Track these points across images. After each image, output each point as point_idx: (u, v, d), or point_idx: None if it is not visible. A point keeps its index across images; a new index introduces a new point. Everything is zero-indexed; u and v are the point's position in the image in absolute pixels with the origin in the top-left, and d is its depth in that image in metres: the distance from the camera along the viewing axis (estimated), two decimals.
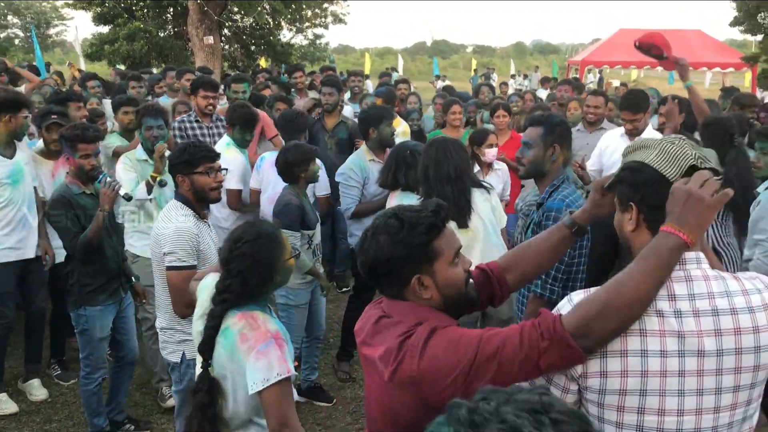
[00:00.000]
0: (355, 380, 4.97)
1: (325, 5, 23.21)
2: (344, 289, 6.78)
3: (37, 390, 4.76)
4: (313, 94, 8.75)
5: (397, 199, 4.31)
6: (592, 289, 1.67)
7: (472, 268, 1.94)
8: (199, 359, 2.56)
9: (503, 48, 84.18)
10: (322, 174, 5.27)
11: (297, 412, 4.43)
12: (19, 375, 4.96)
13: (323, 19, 23.97)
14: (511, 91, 13.81)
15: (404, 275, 1.75)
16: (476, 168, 5.35)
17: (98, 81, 8.81)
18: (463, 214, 3.69)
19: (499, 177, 5.52)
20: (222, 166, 3.54)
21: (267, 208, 4.79)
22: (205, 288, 2.71)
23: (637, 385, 1.58)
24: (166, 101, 7.74)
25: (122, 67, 16.49)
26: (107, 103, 7.03)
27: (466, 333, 1.65)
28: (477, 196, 3.79)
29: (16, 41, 42.43)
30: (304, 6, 22.29)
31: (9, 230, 4.52)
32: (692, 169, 1.64)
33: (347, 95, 9.26)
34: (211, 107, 5.91)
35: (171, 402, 4.34)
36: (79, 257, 3.89)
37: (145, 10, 19.38)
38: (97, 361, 4.03)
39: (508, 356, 1.57)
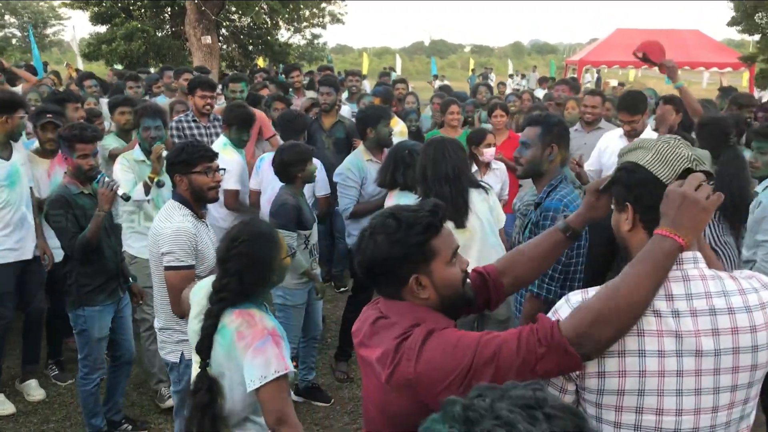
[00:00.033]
0: (353, 380, 4.97)
1: (323, 5, 23.23)
2: (342, 289, 6.79)
3: (34, 390, 4.76)
4: (311, 93, 8.75)
5: (395, 199, 4.32)
6: (590, 290, 1.67)
7: (470, 268, 1.94)
8: (195, 358, 2.57)
9: (501, 48, 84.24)
10: (322, 174, 5.29)
11: (295, 413, 4.44)
12: (16, 375, 4.95)
13: (321, 19, 24.00)
14: (508, 91, 13.83)
15: (402, 275, 1.75)
16: (474, 168, 5.36)
17: (95, 80, 8.80)
18: (460, 214, 3.69)
19: (497, 177, 5.53)
20: (219, 166, 3.55)
21: (267, 209, 4.79)
22: (201, 287, 2.72)
23: (635, 385, 1.58)
24: (163, 101, 7.73)
25: (119, 67, 16.48)
26: (104, 103, 7.02)
27: (463, 336, 1.64)
28: (475, 196, 3.79)
29: (14, 41, 42.37)
30: (301, 6, 22.31)
31: (8, 231, 4.51)
32: (687, 172, 1.65)
33: (345, 95, 9.27)
34: (208, 107, 5.91)
35: (170, 402, 4.33)
36: (78, 257, 3.89)
37: (143, 10, 19.36)
38: (95, 361, 4.03)
39: (505, 361, 1.57)
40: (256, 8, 18.98)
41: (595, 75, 26.58)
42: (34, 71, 10.63)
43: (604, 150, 5.34)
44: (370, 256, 1.77)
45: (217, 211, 5.05)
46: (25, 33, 39.86)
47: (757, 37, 20.31)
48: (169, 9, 19.34)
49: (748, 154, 4.20)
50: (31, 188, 4.74)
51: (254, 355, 2.37)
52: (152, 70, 14.27)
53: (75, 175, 3.96)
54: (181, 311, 3.18)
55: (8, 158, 4.53)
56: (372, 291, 4.79)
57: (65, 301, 4.07)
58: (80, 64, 20.17)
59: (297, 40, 24.60)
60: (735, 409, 1.62)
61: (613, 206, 1.80)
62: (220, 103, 6.94)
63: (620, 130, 5.35)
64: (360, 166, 5.02)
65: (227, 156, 4.91)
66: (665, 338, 1.57)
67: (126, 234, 4.60)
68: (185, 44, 17.60)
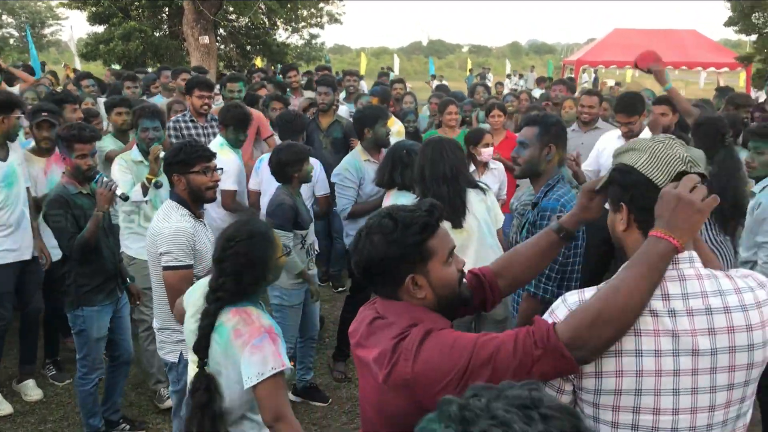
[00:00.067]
0: (351, 380, 4.97)
1: (321, 5, 23.21)
2: (340, 289, 6.79)
3: (32, 390, 4.75)
4: (309, 93, 8.75)
5: (393, 198, 4.32)
6: (586, 290, 1.68)
7: (467, 269, 1.94)
8: (192, 358, 2.57)
9: (499, 48, 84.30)
10: (322, 173, 5.29)
11: (293, 412, 4.44)
12: (13, 376, 4.94)
13: (319, 19, 23.98)
14: (506, 91, 13.84)
15: (398, 275, 1.75)
16: (472, 167, 5.36)
17: (93, 80, 8.79)
18: (458, 214, 3.69)
19: (495, 176, 5.53)
20: (217, 166, 3.55)
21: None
22: (197, 287, 2.73)
23: (632, 385, 1.58)
24: (160, 101, 7.73)
25: (117, 67, 16.46)
26: (102, 103, 7.02)
27: (460, 337, 1.65)
28: (472, 197, 3.79)
29: (11, 41, 42.33)
30: (299, 6, 22.28)
31: (8, 232, 4.51)
32: (682, 174, 1.65)
33: (342, 95, 9.27)
34: (206, 107, 5.90)
35: (169, 403, 4.33)
36: (76, 258, 3.88)
37: (141, 10, 19.30)
38: (94, 361, 4.03)
39: (502, 362, 1.57)
40: (254, 8, 18.96)
41: (593, 75, 26.59)
42: (31, 71, 10.61)
43: (603, 151, 5.35)
44: (366, 256, 1.77)
45: (215, 212, 5.05)
46: (22, 33, 39.82)
47: (753, 37, 20.36)
48: (166, 9, 19.29)
49: (744, 154, 4.21)
50: (27, 188, 4.73)
51: (251, 352, 2.38)
52: (150, 70, 14.26)
53: (73, 175, 3.95)
54: (177, 315, 3.17)
55: (5, 158, 4.52)
56: (370, 291, 4.79)
57: (63, 301, 4.07)
58: (78, 64, 20.13)
59: (295, 40, 24.59)
60: (732, 407, 1.62)
61: (608, 206, 1.81)
62: (218, 103, 6.94)
63: (618, 131, 5.36)
64: (358, 166, 5.02)
65: (224, 156, 4.91)
66: (662, 338, 1.57)
67: (124, 235, 4.60)
68: (183, 44, 17.56)
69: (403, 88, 9.54)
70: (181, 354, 3.42)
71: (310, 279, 4.41)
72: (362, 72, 21.48)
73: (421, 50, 75.06)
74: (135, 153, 4.74)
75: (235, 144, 5.19)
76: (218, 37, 18.66)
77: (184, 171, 3.40)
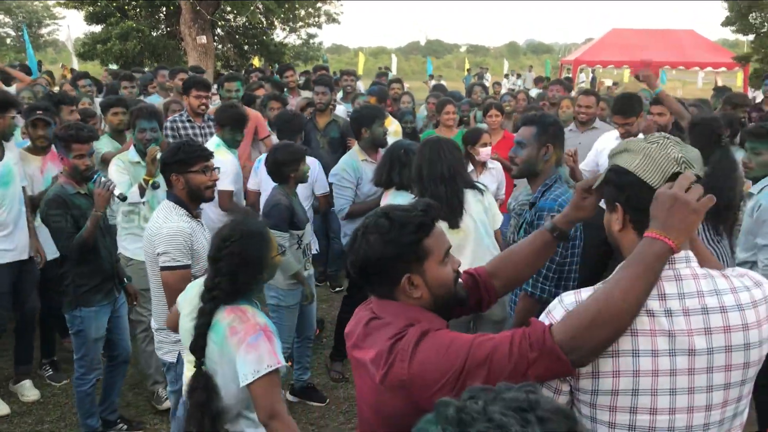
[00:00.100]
0: (348, 380, 4.97)
1: (319, 5, 23.17)
2: (337, 289, 6.79)
3: (28, 391, 4.74)
4: (307, 93, 8.75)
5: (391, 198, 4.32)
6: (583, 290, 1.68)
7: (463, 269, 1.94)
8: (188, 357, 2.58)
9: (497, 48, 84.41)
10: (321, 172, 5.30)
11: (290, 413, 4.44)
12: (10, 376, 4.93)
13: (317, 19, 23.93)
14: (504, 90, 13.83)
15: (394, 275, 1.75)
16: (470, 167, 5.36)
17: (90, 80, 8.78)
18: (455, 214, 3.69)
19: (493, 176, 5.53)
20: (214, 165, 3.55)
21: None
22: (193, 286, 2.73)
23: (629, 385, 1.58)
24: (157, 100, 7.72)
25: (115, 67, 16.44)
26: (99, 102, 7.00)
27: (457, 338, 1.65)
28: (470, 197, 3.79)
29: (8, 40, 42.31)
30: (297, 5, 22.24)
31: (5, 232, 4.50)
32: (676, 175, 1.64)
33: (339, 94, 9.27)
34: (203, 107, 5.90)
35: (167, 404, 4.33)
36: (74, 258, 3.88)
37: (138, 10, 19.29)
38: (92, 362, 4.02)
39: (497, 364, 1.57)
40: (252, 8, 18.94)
41: (590, 75, 26.63)
42: (28, 71, 10.59)
43: (601, 151, 5.35)
44: (363, 256, 1.77)
45: (213, 212, 5.04)
46: (19, 33, 39.80)
47: (751, 37, 20.40)
48: (164, 9, 19.29)
49: (742, 154, 4.20)
50: (23, 187, 4.73)
51: (247, 350, 2.40)
52: (146, 69, 14.25)
53: (71, 175, 3.95)
54: (170, 324, 3.15)
55: (1, 158, 4.51)
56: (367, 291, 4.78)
57: (59, 301, 4.07)
58: (75, 64, 20.12)
59: (292, 39, 24.53)
60: (728, 407, 1.62)
61: (604, 206, 1.81)
62: (215, 103, 6.93)
63: (617, 132, 5.36)
64: (355, 166, 5.02)
65: (221, 156, 4.90)
66: (658, 337, 1.57)
67: (121, 236, 4.59)
68: (180, 44, 17.57)
69: (401, 87, 9.54)
70: (179, 354, 3.41)
71: (305, 280, 4.40)
72: (360, 72, 21.49)
73: (419, 50, 75.15)
74: (132, 154, 4.73)
75: (232, 144, 5.19)
76: (215, 37, 18.66)
77: (183, 170, 3.40)
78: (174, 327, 2.89)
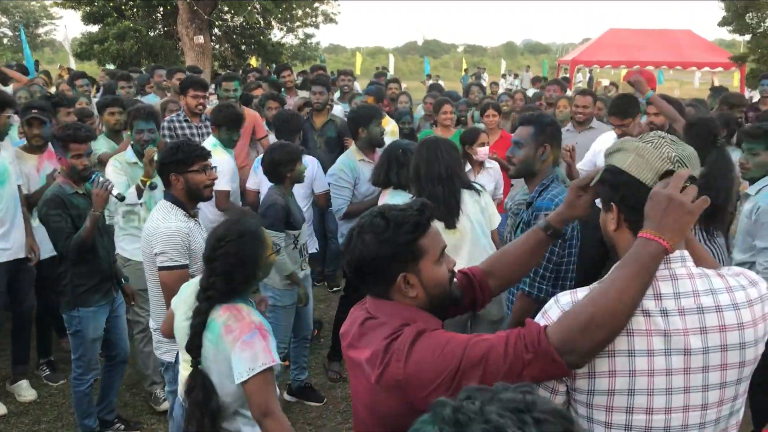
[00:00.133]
0: (346, 380, 4.96)
1: (316, 4, 23.16)
2: (335, 289, 6.79)
3: (25, 391, 4.74)
4: (304, 93, 8.75)
5: (389, 198, 4.32)
6: (579, 290, 1.68)
7: (458, 269, 1.95)
8: (184, 357, 2.58)
9: (494, 48, 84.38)
10: (320, 171, 5.30)
11: (288, 412, 4.44)
12: (7, 376, 4.92)
13: (314, 19, 23.92)
14: (501, 90, 13.84)
15: (390, 274, 1.75)
16: (468, 167, 5.36)
17: (87, 79, 8.77)
18: (452, 214, 3.69)
19: (490, 176, 5.53)
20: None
21: None
22: (188, 285, 2.74)
23: (625, 385, 1.58)
24: (154, 100, 7.72)
25: (112, 67, 16.42)
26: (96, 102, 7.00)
27: (452, 338, 1.65)
28: (466, 197, 3.79)
29: (5, 40, 42.24)
30: (294, 5, 22.23)
31: (3, 231, 4.50)
32: (670, 173, 1.64)
33: (337, 94, 9.27)
34: (200, 107, 5.90)
35: (165, 405, 4.33)
36: (73, 258, 3.87)
37: (135, 10, 19.26)
38: (89, 362, 4.02)
39: (492, 365, 1.57)
40: (249, 8, 18.91)
41: (588, 75, 26.64)
42: (25, 71, 10.58)
43: (599, 152, 5.35)
44: (358, 256, 1.77)
45: (210, 212, 5.04)
46: (16, 32, 39.74)
47: (747, 37, 20.40)
48: (161, 8, 19.26)
49: (738, 154, 4.20)
50: (19, 185, 4.72)
51: (242, 348, 2.41)
52: (144, 70, 14.23)
53: (69, 175, 3.94)
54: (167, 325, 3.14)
55: None
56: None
57: (56, 300, 4.06)
58: (72, 64, 20.08)
59: (290, 39, 24.53)
60: (724, 406, 1.63)
61: (600, 206, 1.81)
62: (213, 103, 6.93)
63: (614, 133, 5.36)
64: (352, 166, 5.02)
65: (217, 156, 4.88)
66: (654, 337, 1.58)
67: (119, 236, 4.58)
68: (178, 44, 17.55)
69: (398, 87, 9.54)
70: (177, 354, 3.41)
71: (299, 281, 4.39)
72: (357, 72, 21.51)
73: (417, 50, 75.12)
74: (129, 154, 4.72)
75: (228, 144, 5.18)
76: (213, 37, 18.64)
77: (183, 170, 3.41)
78: (169, 333, 2.89)
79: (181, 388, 2.70)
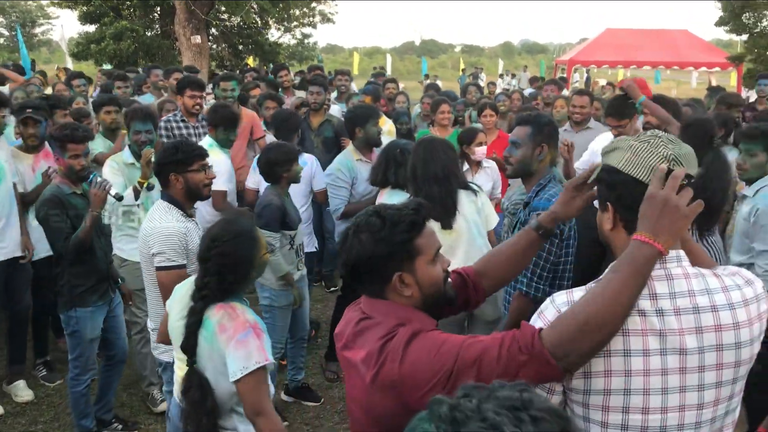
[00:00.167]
0: (343, 380, 4.95)
1: (314, 4, 23.19)
2: (332, 289, 6.79)
3: (22, 391, 4.73)
4: (301, 93, 8.75)
5: (386, 197, 4.32)
6: (575, 290, 1.68)
7: (453, 269, 1.95)
8: (180, 356, 2.59)
9: (491, 48, 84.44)
10: (318, 168, 5.29)
11: (285, 412, 4.44)
12: (3, 377, 4.91)
13: (311, 19, 23.96)
14: (498, 90, 13.85)
15: (386, 273, 1.76)
16: (466, 166, 5.36)
17: (84, 79, 8.75)
18: (449, 214, 3.69)
19: (488, 175, 5.53)
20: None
21: None
22: (183, 284, 2.75)
23: (621, 385, 1.58)
24: (150, 99, 7.71)
25: (109, 67, 16.40)
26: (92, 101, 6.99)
27: (447, 339, 1.65)
28: (463, 198, 3.79)
29: (1, 40, 42.18)
30: (292, 5, 22.24)
31: None
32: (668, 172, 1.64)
33: (334, 94, 9.27)
34: (197, 107, 5.90)
35: (163, 406, 4.34)
36: (70, 258, 3.86)
37: (132, 9, 19.23)
38: (87, 362, 4.01)
39: (487, 366, 1.57)
40: (246, 8, 18.91)
41: (585, 75, 26.68)
42: (21, 71, 10.55)
43: (597, 152, 5.35)
44: (354, 255, 1.78)
45: (207, 212, 5.04)
46: (13, 32, 39.65)
47: (744, 37, 20.44)
48: (158, 8, 19.24)
49: (735, 154, 4.19)
50: (14, 184, 4.71)
51: (236, 347, 2.43)
52: (140, 70, 14.22)
53: (67, 175, 3.94)
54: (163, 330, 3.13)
55: None
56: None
57: (52, 299, 4.05)
58: (69, 64, 20.06)
59: (287, 39, 24.57)
60: (720, 405, 1.63)
61: (597, 205, 1.81)
62: (210, 103, 6.92)
63: (611, 133, 5.36)
64: (350, 166, 5.02)
65: (214, 156, 4.86)
66: (649, 337, 1.58)
67: (116, 237, 4.57)
68: (175, 44, 17.52)
69: (396, 87, 9.54)
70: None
71: (294, 283, 4.38)
72: (355, 72, 21.51)
73: (414, 50, 75.19)
74: (126, 155, 4.71)
75: (225, 144, 5.17)
76: (210, 37, 18.61)
77: (182, 170, 3.40)
78: (165, 339, 2.90)
79: (176, 388, 2.71)
